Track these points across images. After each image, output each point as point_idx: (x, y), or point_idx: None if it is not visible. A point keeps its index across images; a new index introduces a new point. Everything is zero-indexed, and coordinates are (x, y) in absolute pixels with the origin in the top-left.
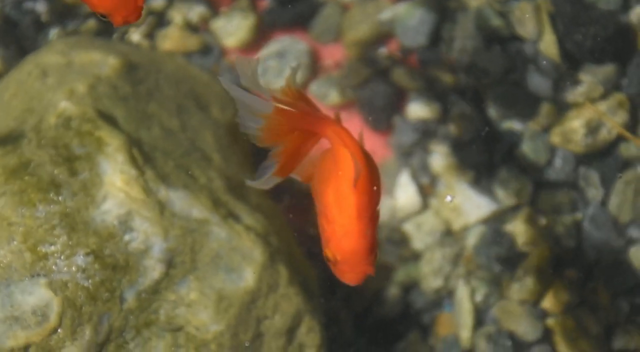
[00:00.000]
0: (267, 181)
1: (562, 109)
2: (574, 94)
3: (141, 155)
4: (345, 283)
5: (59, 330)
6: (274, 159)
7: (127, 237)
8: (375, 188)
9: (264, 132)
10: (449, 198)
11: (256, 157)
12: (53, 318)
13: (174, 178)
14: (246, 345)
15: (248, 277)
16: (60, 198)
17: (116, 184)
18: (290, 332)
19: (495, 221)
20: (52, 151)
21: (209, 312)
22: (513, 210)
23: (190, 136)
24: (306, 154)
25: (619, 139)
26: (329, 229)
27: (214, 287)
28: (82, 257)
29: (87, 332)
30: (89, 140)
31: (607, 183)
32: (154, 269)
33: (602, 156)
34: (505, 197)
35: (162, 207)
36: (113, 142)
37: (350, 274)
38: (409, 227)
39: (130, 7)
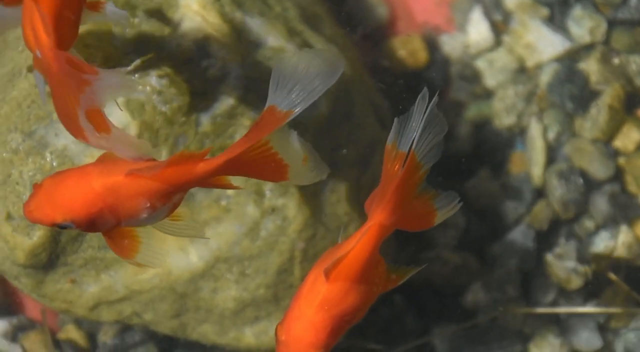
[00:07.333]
0: None
1: None
2: None
3: None
4: None
5: None
6: None
7: (204, 63)
8: (360, 292)
9: None
10: None
11: None
12: None
13: (250, 5)
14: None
15: (322, 106)
16: (136, 20)
17: (192, 7)
18: (364, 161)
19: (568, 59)
20: None
21: None
22: (587, 48)
23: None
24: None
25: None
26: (291, 305)
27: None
28: (155, 78)
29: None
30: None
31: None
32: (229, 95)
33: None
34: (579, 35)
35: (238, 34)
36: None
37: None
38: (480, 64)
39: None
